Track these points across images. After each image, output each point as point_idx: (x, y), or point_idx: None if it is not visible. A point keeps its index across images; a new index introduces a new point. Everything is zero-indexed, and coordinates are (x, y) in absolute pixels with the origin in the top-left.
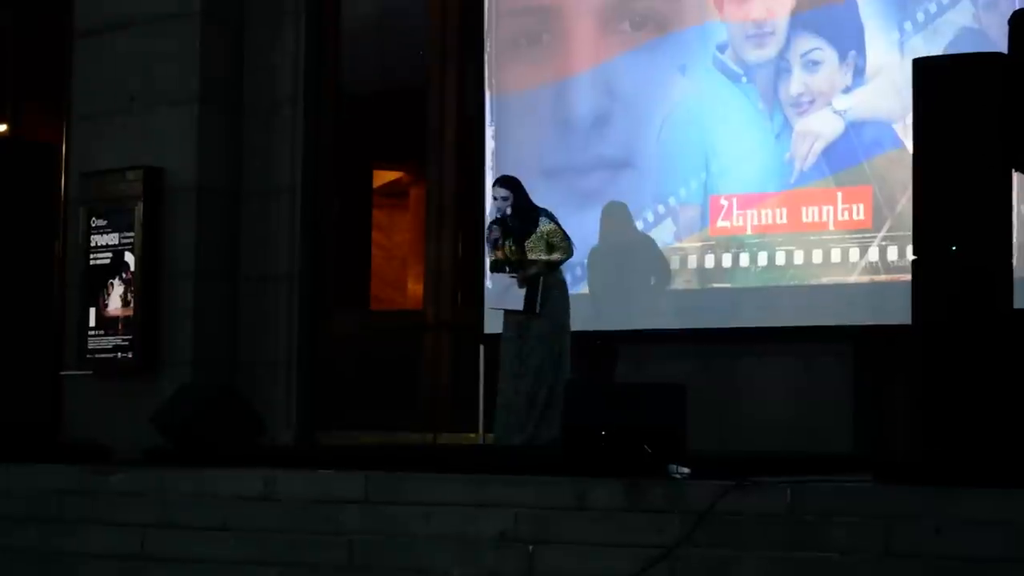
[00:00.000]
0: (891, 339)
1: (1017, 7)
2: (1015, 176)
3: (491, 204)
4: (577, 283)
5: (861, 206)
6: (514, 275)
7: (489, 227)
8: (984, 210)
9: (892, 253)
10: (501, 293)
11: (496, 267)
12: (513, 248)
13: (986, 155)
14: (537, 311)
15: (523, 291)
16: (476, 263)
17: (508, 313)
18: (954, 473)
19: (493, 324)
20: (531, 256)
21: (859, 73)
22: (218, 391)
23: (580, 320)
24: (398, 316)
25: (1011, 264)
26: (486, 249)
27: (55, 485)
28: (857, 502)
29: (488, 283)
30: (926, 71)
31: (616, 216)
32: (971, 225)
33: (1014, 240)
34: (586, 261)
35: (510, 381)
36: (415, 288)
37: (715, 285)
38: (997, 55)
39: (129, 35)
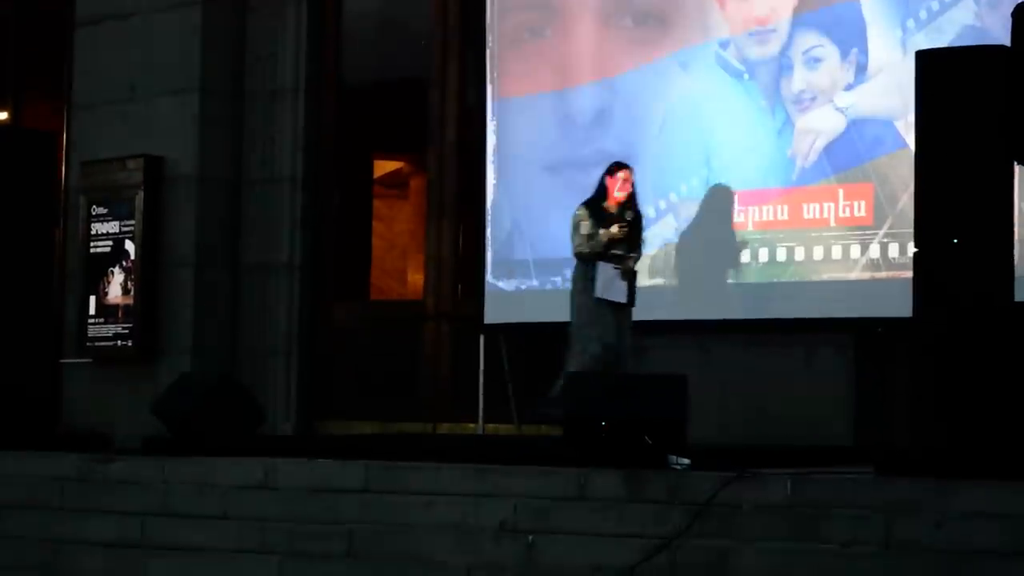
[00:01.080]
0: (893, 331)
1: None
2: (1016, 171)
3: (612, 187)
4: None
5: (862, 203)
6: (618, 266)
7: (615, 208)
8: (986, 203)
9: (893, 250)
10: (607, 283)
11: (600, 252)
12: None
13: (988, 148)
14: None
15: (620, 284)
16: (476, 254)
17: (606, 304)
18: (954, 465)
19: (492, 315)
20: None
21: (861, 70)
22: (218, 380)
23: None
24: (398, 306)
25: (1012, 257)
26: (588, 227)
27: (55, 473)
28: (857, 494)
29: (489, 274)
30: (929, 63)
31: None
32: (973, 218)
33: (1015, 234)
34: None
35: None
36: (415, 278)
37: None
38: (1000, 48)
39: (130, 24)
